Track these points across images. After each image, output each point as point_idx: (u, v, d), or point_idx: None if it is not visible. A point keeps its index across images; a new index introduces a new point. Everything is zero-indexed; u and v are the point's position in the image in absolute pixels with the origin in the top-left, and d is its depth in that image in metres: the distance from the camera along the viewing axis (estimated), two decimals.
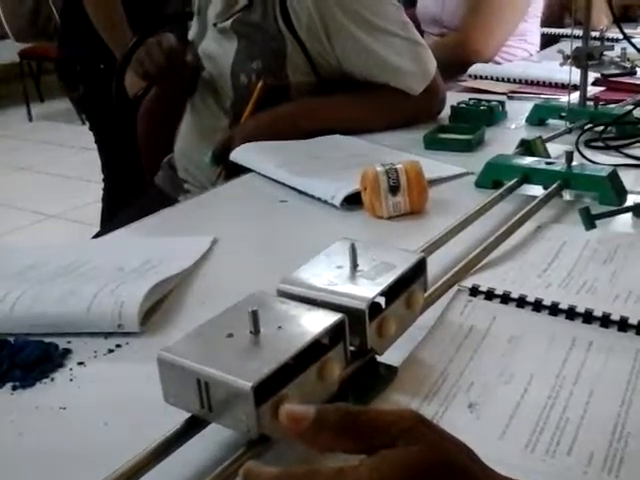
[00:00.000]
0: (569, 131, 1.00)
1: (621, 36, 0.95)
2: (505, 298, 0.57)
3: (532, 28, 1.74)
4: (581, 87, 1.04)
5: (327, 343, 0.44)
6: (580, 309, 0.54)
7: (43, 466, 0.44)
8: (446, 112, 1.14)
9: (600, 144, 0.96)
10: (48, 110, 4.72)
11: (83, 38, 1.75)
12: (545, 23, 1.90)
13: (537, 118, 1.10)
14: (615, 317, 0.53)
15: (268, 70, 1.09)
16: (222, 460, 0.40)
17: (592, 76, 1.15)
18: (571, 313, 0.54)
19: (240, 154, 0.98)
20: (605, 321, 0.53)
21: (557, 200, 0.78)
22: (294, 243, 0.74)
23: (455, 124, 1.08)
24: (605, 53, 1.02)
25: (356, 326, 0.46)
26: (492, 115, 1.11)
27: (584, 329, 0.53)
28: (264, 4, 1.08)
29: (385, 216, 0.78)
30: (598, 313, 0.54)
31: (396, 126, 1.09)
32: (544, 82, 1.35)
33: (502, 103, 1.15)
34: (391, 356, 0.50)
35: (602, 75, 1.20)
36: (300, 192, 0.87)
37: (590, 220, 0.67)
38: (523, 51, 1.72)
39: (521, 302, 0.56)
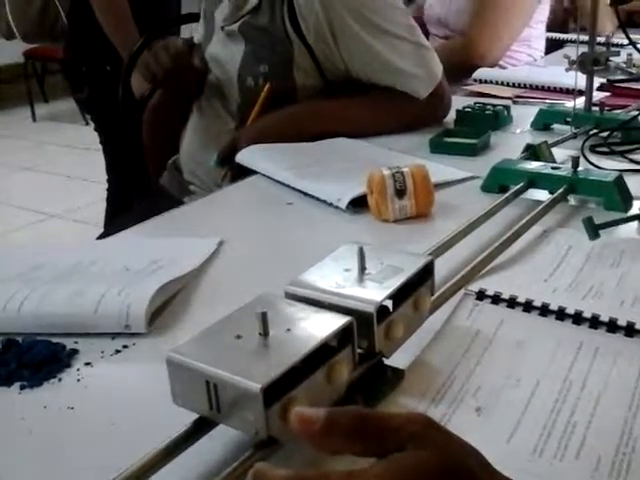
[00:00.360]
0: (574, 136, 1.01)
1: (627, 42, 0.95)
2: (512, 302, 0.57)
3: (537, 33, 1.74)
4: (587, 92, 1.05)
5: (335, 346, 0.45)
6: (587, 314, 0.54)
7: (51, 465, 0.45)
8: (451, 116, 1.14)
9: (605, 149, 0.96)
10: (52, 110, 4.73)
11: (90, 39, 1.76)
12: (549, 28, 1.90)
13: (542, 123, 1.10)
14: (622, 322, 0.53)
15: (275, 73, 1.09)
16: (230, 461, 0.40)
17: (597, 81, 1.15)
18: (578, 318, 0.54)
19: (246, 156, 0.99)
20: (612, 326, 0.53)
21: (563, 205, 0.78)
22: (300, 245, 0.74)
23: (460, 128, 1.09)
24: (611, 59, 1.02)
25: (364, 329, 0.46)
26: (497, 119, 1.11)
27: (591, 334, 0.53)
28: (272, 8, 1.09)
29: (391, 219, 0.78)
30: (605, 318, 0.54)
31: (402, 129, 1.10)
32: (549, 87, 1.35)
33: (507, 108, 1.16)
34: (398, 359, 0.50)
35: (608, 80, 1.20)
36: (306, 194, 0.87)
37: (594, 230, 0.67)
38: (527, 56, 1.72)
39: (528, 306, 0.56)
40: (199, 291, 0.65)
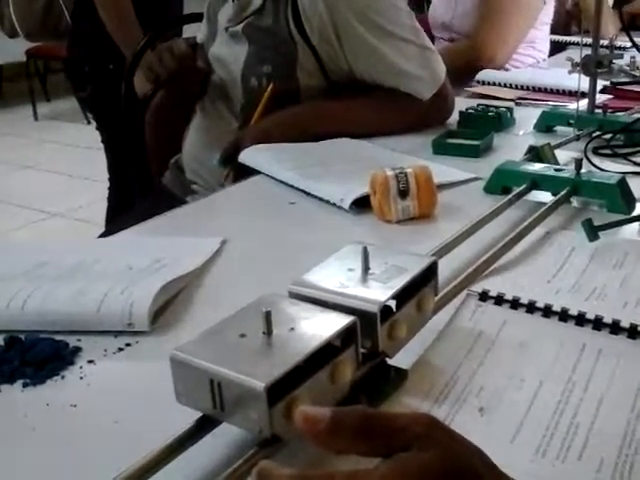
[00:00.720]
0: (577, 138, 1.01)
1: (630, 44, 0.95)
2: (515, 303, 0.57)
3: (541, 35, 1.75)
4: (590, 95, 1.05)
5: (339, 345, 0.45)
6: (590, 315, 0.54)
7: (54, 463, 0.45)
8: (454, 117, 1.14)
9: (608, 152, 0.96)
10: (54, 109, 4.74)
11: (93, 38, 1.76)
12: (551, 31, 1.90)
13: (545, 125, 1.10)
14: (625, 324, 0.53)
15: (279, 74, 1.09)
16: (233, 460, 0.40)
17: (600, 84, 1.15)
18: (581, 319, 0.54)
19: (249, 156, 0.99)
20: (615, 328, 0.53)
21: (566, 207, 0.78)
22: (302, 246, 0.74)
23: (463, 130, 1.09)
24: (614, 61, 1.02)
25: (368, 329, 0.46)
26: (500, 121, 1.11)
27: (594, 335, 0.53)
28: (276, 8, 1.09)
29: (394, 220, 0.78)
30: (608, 320, 0.54)
31: (405, 130, 1.10)
32: (552, 89, 1.35)
33: (510, 109, 1.16)
34: (401, 359, 0.50)
35: (611, 83, 1.21)
36: (309, 194, 0.87)
37: (593, 232, 0.67)
38: (531, 58, 1.72)
39: (531, 308, 0.56)
40: (202, 290, 0.65)
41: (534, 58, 1.73)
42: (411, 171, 0.78)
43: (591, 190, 0.79)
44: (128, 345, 0.56)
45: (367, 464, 0.34)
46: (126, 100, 1.37)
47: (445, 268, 0.61)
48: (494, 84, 1.42)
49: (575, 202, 0.80)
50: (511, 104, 1.25)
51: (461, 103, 1.18)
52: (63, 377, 0.53)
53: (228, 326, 0.45)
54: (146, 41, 1.38)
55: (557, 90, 1.34)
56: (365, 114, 1.09)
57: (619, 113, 1.11)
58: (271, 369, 0.40)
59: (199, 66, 1.19)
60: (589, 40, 1.03)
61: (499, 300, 0.58)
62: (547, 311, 0.56)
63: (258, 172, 0.96)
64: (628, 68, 1.06)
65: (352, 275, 0.50)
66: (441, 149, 1.01)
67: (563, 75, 1.19)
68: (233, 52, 1.14)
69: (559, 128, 1.10)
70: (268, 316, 0.43)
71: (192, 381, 0.42)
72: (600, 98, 1.15)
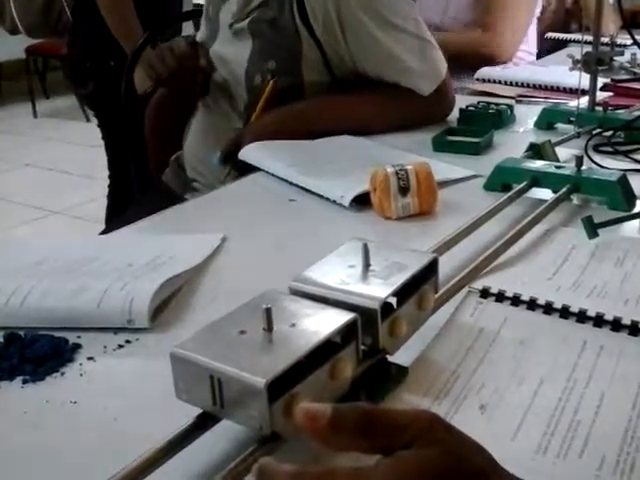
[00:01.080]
0: (578, 135, 1.00)
1: (630, 41, 0.95)
2: (515, 300, 0.57)
3: (533, 28, 1.76)
4: (590, 92, 1.04)
5: (339, 342, 0.45)
6: (591, 313, 0.54)
7: (54, 459, 0.44)
8: (454, 115, 1.14)
9: (609, 149, 0.96)
10: (53, 107, 4.73)
11: (93, 35, 1.75)
12: (550, 28, 1.90)
13: (545, 122, 1.10)
14: (626, 321, 0.53)
15: (283, 69, 1.09)
16: (233, 457, 0.40)
17: (601, 81, 1.15)
18: (582, 316, 0.54)
19: (249, 153, 0.98)
20: (616, 325, 0.53)
21: (566, 204, 0.78)
22: (303, 242, 0.74)
23: (464, 127, 1.09)
24: (615, 58, 1.02)
25: (368, 326, 0.46)
26: (500, 118, 1.11)
27: (595, 332, 0.53)
28: (281, 1, 1.08)
29: (394, 217, 0.78)
30: (609, 317, 0.54)
31: (405, 126, 1.10)
32: (552, 87, 1.35)
33: (510, 107, 1.15)
34: (402, 356, 0.50)
35: (612, 80, 1.20)
36: (309, 192, 0.87)
37: (593, 229, 0.67)
38: (526, 53, 1.73)
39: (531, 305, 0.56)
40: (202, 287, 0.65)
41: (527, 52, 1.73)
42: (411, 168, 0.77)
43: (592, 187, 0.78)
44: (128, 342, 0.56)
45: (367, 461, 0.34)
46: (126, 97, 1.36)
47: (445, 265, 0.60)
48: (494, 81, 1.42)
49: (576, 199, 0.80)
50: (511, 101, 1.24)
51: (461, 100, 1.17)
52: (63, 374, 0.52)
53: (228, 323, 0.45)
54: (146, 38, 1.38)
55: (557, 87, 1.33)
56: (366, 110, 1.09)
57: (620, 110, 1.10)
58: (271, 366, 0.40)
59: (201, 65, 1.18)
60: (590, 38, 1.03)
61: (500, 297, 0.58)
62: (548, 308, 0.56)
63: (258, 169, 0.96)
64: (629, 65, 1.05)
65: (353, 272, 0.50)
66: (441, 146, 1.01)
67: (563, 72, 1.19)
68: (236, 50, 1.13)
69: (560, 125, 1.10)
70: (268, 313, 0.43)
71: (192, 378, 0.42)
72: (601, 95, 1.15)
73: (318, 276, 0.50)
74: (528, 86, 1.37)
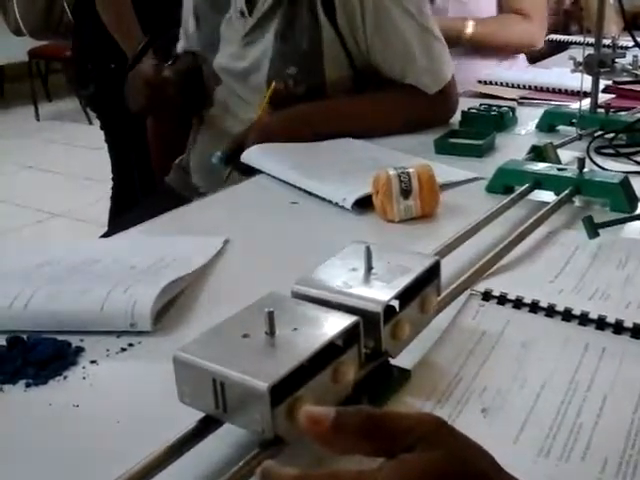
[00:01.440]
0: (579, 138, 1.00)
1: (632, 44, 0.95)
2: (518, 303, 0.57)
3: None
4: (592, 94, 1.04)
5: (341, 345, 0.45)
6: (593, 315, 0.54)
7: (56, 463, 0.45)
8: (456, 117, 1.14)
9: (611, 151, 0.96)
10: (55, 109, 4.74)
11: (94, 36, 1.76)
12: (550, 30, 1.90)
13: (547, 124, 1.10)
14: (628, 324, 0.53)
15: (305, 71, 1.08)
16: (236, 461, 0.40)
17: (602, 83, 1.15)
18: (584, 319, 0.54)
19: (252, 155, 0.98)
20: (618, 328, 0.53)
21: (569, 206, 0.78)
22: (305, 245, 0.74)
23: (466, 129, 1.09)
24: (617, 60, 1.02)
25: (370, 329, 0.46)
26: (502, 121, 1.11)
27: (597, 335, 0.53)
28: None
29: (396, 219, 0.78)
30: (611, 320, 0.54)
31: (409, 128, 1.10)
32: (554, 89, 1.35)
33: (512, 109, 1.15)
34: (404, 359, 0.50)
35: (614, 82, 1.20)
36: (311, 194, 0.87)
37: (593, 229, 0.67)
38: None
39: (534, 307, 0.56)
40: (205, 290, 0.65)
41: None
42: (413, 171, 0.78)
43: (594, 189, 0.78)
44: (131, 345, 0.56)
45: (370, 464, 0.34)
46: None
47: (447, 268, 0.60)
48: (496, 83, 1.42)
49: (578, 202, 0.80)
50: (513, 103, 1.24)
51: (463, 103, 1.17)
52: (65, 377, 0.53)
53: (231, 326, 0.45)
54: (146, 42, 1.38)
55: (559, 89, 1.34)
56: (369, 111, 1.09)
57: (622, 113, 1.10)
58: (274, 369, 0.40)
59: (176, 93, 1.13)
60: (591, 40, 1.03)
61: (502, 300, 0.58)
62: (550, 311, 0.56)
63: (260, 171, 0.96)
64: (631, 67, 1.05)
65: (355, 275, 0.50)
66: (443, 149, 1.01)
67: (565, 74, 1.19)
68: (252, 60, 1.11)
69: (561, 127, 1.10)
70: (271, 316, 0.43)
71: (195, 381, 0.42)
72: (602, 98, 1.15)
73: (320, 279, 0.50)
74: (530, 88, 1.37)
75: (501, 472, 0.33)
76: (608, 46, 1.07)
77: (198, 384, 0.42)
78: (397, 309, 0.49)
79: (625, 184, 0.78)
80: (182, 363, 0.42)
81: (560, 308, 0.55)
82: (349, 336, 0.44)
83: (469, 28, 1.54)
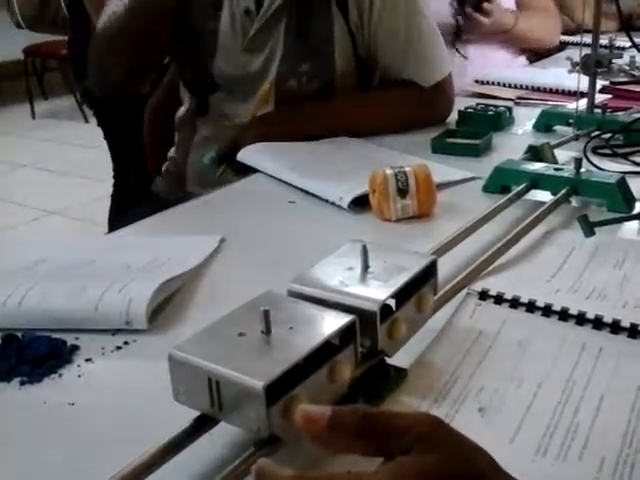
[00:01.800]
0: (576, 138, 1.00)
1: (628, 44, 0.95)
2: (514, 302, 0.57)
3: None
4: (589, 94, 1.04)
5: (338, 344, 0.44)
6: (590, 315, 0.54)
7: (51, 461, 0.44)
8: (453, 117, 1.14)
9: (607, 151, 0.96)
10: (51, 108, 4.73)
11: (89, 30, 1.75)
12: None
13: (544, 124, 1.10)
14: (625, 324, 0.53)
15: (318, 66, 1.07)
16: (231, 460, 0.40)
17: (599, 84, 1.15)
18: (581, 319, 0.54)
19: (248, 154, 0.98)
20: (615, 327, 0.53)
21: (565, 206, 0.78)
22: (301, 244, 0.74)
23: (462, 129, 1.08)
24: (614, 61, 1.02)
25: (367, 328, 0.46)
26: (499, 120, 1.11)
27: (594, 335, 0.53)
28: None
29: (393, 219, 0.78)
30: (608, 319, 0.53)
31: (405, 127, 1.10)
32: (551, 89, 1.35)
33: (509, 109, 1.15)
34: (400, 358, 0.50)
35: (611, 82, 1.20)
36: (308, 193, 0.87)
37: (589, 227, 0.67)
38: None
39: (530, 307, 0.56)
40: (200, 289, 0.65)
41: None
42: (410, 170, 0.77)
43: (591, 189, 0.78)
44: (126, 343, 0.56)
45: (366, 464, 0.34)
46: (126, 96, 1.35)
47: (444, 267, 0.60)
48: (493, 83, 1.42)
49: (575, 202, 0.80)
50: (510, 103, 1.24)
51: (460, 102, 1.17)
52: (61, 375, 0.52)
53: (227, 324, 0.44)
54: None
55: (556, 90, 1.34)
56: (365, 107, 1.09)
57: (618, 113, 1.10)
58: (270, 368, 0.40)
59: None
60: (589, 40, 1.03)
61: (499, 299, 0.57)
62: (547, 310, 0.55)
63: (255, 171, 0.96)
64: (628, 68, 1.05)
65: (352, 274, 0.50)
66: (440, 148, 1.01)
67: (562, 75, 1.19)
68: (260, 62, 1.09)
69: (558, 128, 1.10)
70: (267, 315, 0.43)
71: (190, 380, 0.42)
72: (599, 98, 1.15)
73: (317, 278, 0.49)
74: (527, 88, 1.38)
75: (500, 472, 0.33)
76: (605, 47, 1.07)
77: (193, 382, 0.41)
78: (394, 308, 0.49)
79: (622, 184, 0.78)
80: (177, 361, 0.42)
81: (557, 308, 0.55)
82: (345, 335, 0.44)
83: (514, 20, 1.57)
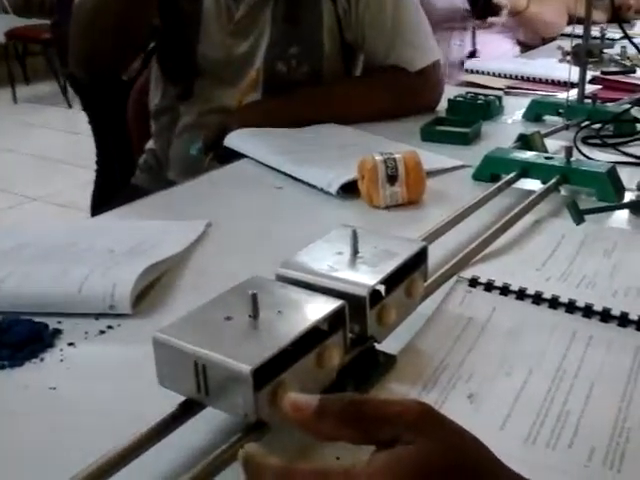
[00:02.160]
0: (566, 128, 1.00)
1: (619, 35, 0.95)
2: (505, 290, 0.56)
3: None
4: (580, 84, 1.04)
5: (327, 329, 0.44)
6: (580, 303, 0.54)
7: (33, 446, 0.43)
8: (443, 105, 1.13)
9: (597, 141, 0.96)
10: (33, 92, 4.66)
11: None
12: None
13: (534, 114, 1.10)
14: (615, 312, 0.53)
15: (308, 50, 1.06)
16: (218, 445, 0.39)
17: (589, 75, 1.15)
18: (571, 307, 0.54)
19: (234, 139, 0.97)
20: (605, 316, 0.53)
21: (555, 195, 0.77)
22: (289, 230, 0.73)
23: (452, 117, 1.08)
24: (604, 51, 1.02)
25: (356, 313, 0.45)
26: (489, 109, 1.11)
27: (584, 323, 0.53)
28: None
29: (382, 205, 0.77)
30: (598, 308, 0.53)
31: (394, 113, 1.09)
32: (541, 79, 1.34)
33: (499, 98, 1.15)
34: (390, 345, 0.49)
35: (602, 72, 1.20)
36: (295, 179, 0.85)
37: (578, 214, 0.67)
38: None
39: (521, 294, 0.56)
40: (186, 274, 0.64)
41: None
42: (400, 157, 0.77)
43: (581, 178, 0.78)
44: (110, 328, 0.55)
45: (355, 449, 0.33)
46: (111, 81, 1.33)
47: (434, 254, 0.59)
48: (483, 73, 1.41)
49: (564, 191, 0.80)
50: (500, 93, 1.24)
51: (450, 91, 1.17)
52: (42, 359, 0.51)
53: (213, 308, 0.43)
54: None
55: (546, 80, 1.33)
56: (351, 94, 1.08)
57: (608, 103, 1.10)
58: (257, 352, 0.39)
59: None
60: (580, 31, 1.03)
61: (489, 286, 0.57)
62: (537, 298, 0.55)
63: (242, 157, 0.94)
64: (619, 58, 1.05)
65: (341, 258, 0.49)
66: (429, 136, 1.00)
67: (552, 65, 1.19)
68: (246, 46, 1.07)
69: (548, 117, 1.09)
70: (255, 299, 0.42)
71: (176, 364, 0.41)
72: (589, 89, 1.15)
73: (305, 262, 0.49)
74: (517, 78, 1.37)
75: (495, 462, 0.32)
76: (596, 37, 1.07)
77: (179, 367, 0.40)
78: (383, 294, 0.48)
79: (612, 173, 0.77)
80: (162, 345, 0.41)
81: (547, 296, 0.55)
82: (334, 320, 0.44)
83: (526, 3, 1.62)
